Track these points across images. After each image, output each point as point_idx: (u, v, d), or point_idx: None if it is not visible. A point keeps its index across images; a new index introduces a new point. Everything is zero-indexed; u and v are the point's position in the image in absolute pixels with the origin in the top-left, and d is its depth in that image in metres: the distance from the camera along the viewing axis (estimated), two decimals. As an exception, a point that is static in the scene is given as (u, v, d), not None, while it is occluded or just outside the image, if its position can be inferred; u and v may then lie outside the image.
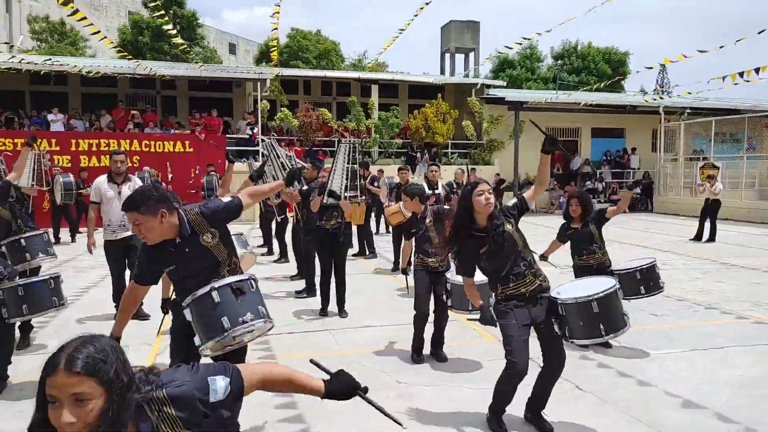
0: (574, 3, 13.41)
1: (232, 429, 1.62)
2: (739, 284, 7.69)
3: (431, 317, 4.67)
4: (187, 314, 2.70)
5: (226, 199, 2.99)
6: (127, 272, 5.73)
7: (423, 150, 19.57)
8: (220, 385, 1.54)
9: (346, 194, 6.16)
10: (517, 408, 3.48)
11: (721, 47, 12.17)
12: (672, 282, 7.33)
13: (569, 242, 5.20)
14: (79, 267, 9.01)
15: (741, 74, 12.49)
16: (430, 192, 7.37)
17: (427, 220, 4.75)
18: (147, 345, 4.99)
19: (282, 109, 18.83)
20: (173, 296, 3.06)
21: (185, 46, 15.29)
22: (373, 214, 12.66)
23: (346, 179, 6.30)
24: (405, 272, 5.08)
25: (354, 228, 9.40)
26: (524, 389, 3.37)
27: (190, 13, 31.38)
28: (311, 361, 1.90)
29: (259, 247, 10.45)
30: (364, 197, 9.08)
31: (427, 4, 10.86)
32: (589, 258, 5.08)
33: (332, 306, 6.13)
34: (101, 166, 13.90)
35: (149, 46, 29.58)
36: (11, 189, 5.13)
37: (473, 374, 4.37)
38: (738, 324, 5.76)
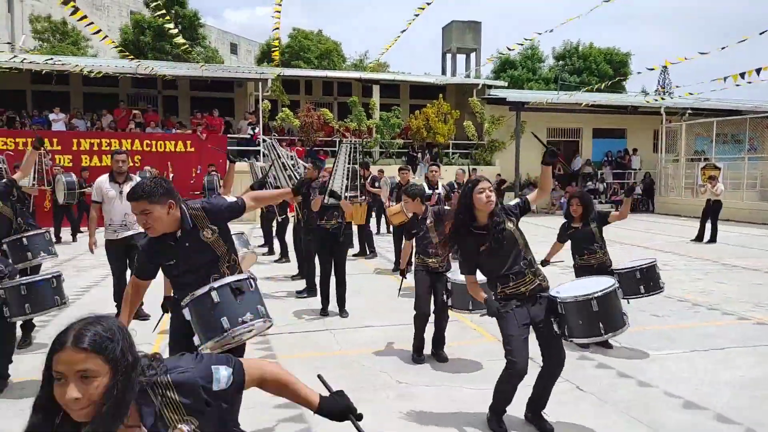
0: (575, 3, 13.41)
1: (231, 423, 1.63)
2: (741, 285, 7.68)
3: (432, 317, 4.67)
4: (186, 313, 2.70)
5: (231, 199, 3.00)
6: (128, 272, 5.74)
7: (424, 150, 19.57)
8: (223, 374, 1.55)
9: (346, 194, 6.16)
10: (517, 408, 3.48)
11: (723, 48, 12.15)
12: (673, 283, 7.32)
13: (570, 242, 5.20)
14: (80, 266, 9.03)
15: (742, 75, 12.48)
16: (431, 192, 7.37)
17: (428, 221, 4.75)
18: (147, 344, 4.98)
19: (283, 109, 18.84)
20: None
21: (187, 45, 15.33)
22: (373, 214, 12.66)
23: (347, 179, 6.31)
24: (402, 274, 5.00)
25: (354, 228, 9.41)
26: (524, 389, 3.37)
27: (192, 12, 31.43)
28: (318, 376, 1.90)
29: (260, 246, 10.45)
30: (364, 197, 9.09)
31: (428, 4, 10.86)
32: (590, 258, 5.08)
33: (333, 306, 6.14)
34: (102, 166, 13.92)
35: (151, 46, 29.63)
36: (14, 188, 5.15)
37: (474, 374, 4.36)
38: (739, 325, 5.75)
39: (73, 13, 10.44)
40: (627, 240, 11.78)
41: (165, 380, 1.46)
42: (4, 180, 5.13)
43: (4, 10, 30.82)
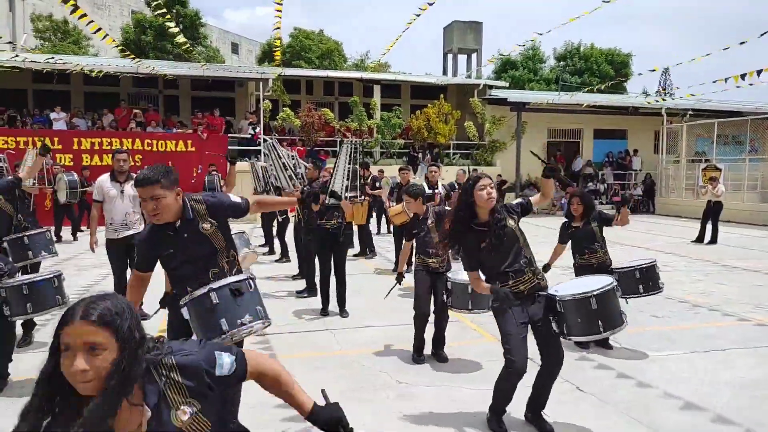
0: (576, 3, 13.40)
1: (230, 416, 1.63)
2: (741, 286, 7.68)
3: (432, 317, 4.67)
4: (185, 313, 2.71)
5: (236, 198, 3.02)
6: (129, 271, 5.74)
7: (425, 150, 19.58)
8: (226, 361, 1.57)
9: (346, 194, 6.16)
10: (517, 408, 3.49)
11: (725, 48, 12.14)
12: (673, 284, 7.32)
13: (571, 241, 5.19)
14: (81, 265, 9.03)
15: (743, 76, 12.47)
16: (431, 192, 7.37)
17: (429, 221, 4.75)
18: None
19: (284, 108, 18.85)
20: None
21: (188, 45, 15.29)
22: (374, 214, 12.66)
23: (348, 180, 6.31)
24: (399, 276, 4.88)
25: (355, 228, 9.41)
26: (524, 390, 3.37)
27: (193, 12, 31.44)
28: (322, 391, 1.90)
29: (260, 246, 10.46)
30: (364, 197, 9.09)
31: (430, 4, 10.85)
32: (590, 257, 5.07)
33: (333, 306, 6.14)
34: (103, 165, 13.92)
35: (152, 46, 29.64)
36: (18, 187, 5.17)
37: (474, 374, 4.36)
38: (739, 326, 5.75)
39: (73, 12, 10.42)
40: (627, 241, 11.78)
41: (170, 361, 1.48)
42: (10, 177, 5.15)
43: (6, 9, 30.86)
